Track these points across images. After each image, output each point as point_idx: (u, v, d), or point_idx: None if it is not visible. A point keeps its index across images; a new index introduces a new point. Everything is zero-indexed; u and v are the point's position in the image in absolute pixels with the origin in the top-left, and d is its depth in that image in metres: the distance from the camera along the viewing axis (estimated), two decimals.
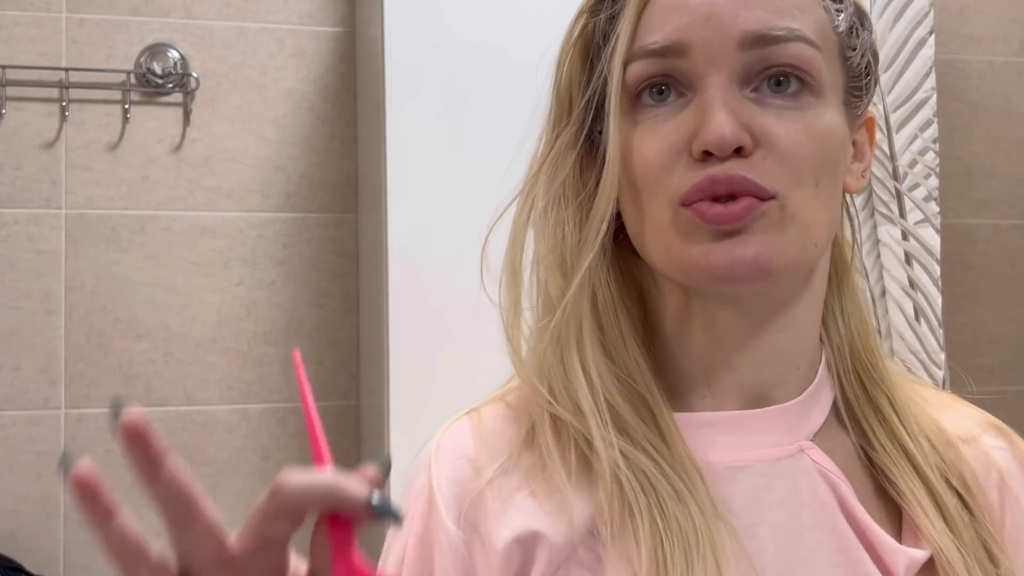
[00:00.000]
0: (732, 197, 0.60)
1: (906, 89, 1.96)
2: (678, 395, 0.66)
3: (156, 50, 2.07)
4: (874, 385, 0.69)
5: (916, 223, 1.94)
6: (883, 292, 1.93)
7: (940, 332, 1.93)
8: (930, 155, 1.97)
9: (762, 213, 0.60)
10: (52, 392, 2.01)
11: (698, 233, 0.61)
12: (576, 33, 0.67)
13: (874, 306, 1.93)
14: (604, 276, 0.66)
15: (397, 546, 0.67)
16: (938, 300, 1.93)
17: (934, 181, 1.97)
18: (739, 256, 0.60)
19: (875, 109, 1.94)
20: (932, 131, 1.97)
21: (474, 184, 1.81)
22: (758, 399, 0.66)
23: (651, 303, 0.68)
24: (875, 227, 1.94)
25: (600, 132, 0.65)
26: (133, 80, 2.05)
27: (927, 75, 1.97)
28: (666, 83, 0.63)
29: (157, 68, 2.06)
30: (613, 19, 0.65)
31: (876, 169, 1.94)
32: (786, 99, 0.62)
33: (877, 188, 1.94)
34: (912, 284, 1.93)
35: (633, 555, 0.59)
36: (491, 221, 0.69)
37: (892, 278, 1.93)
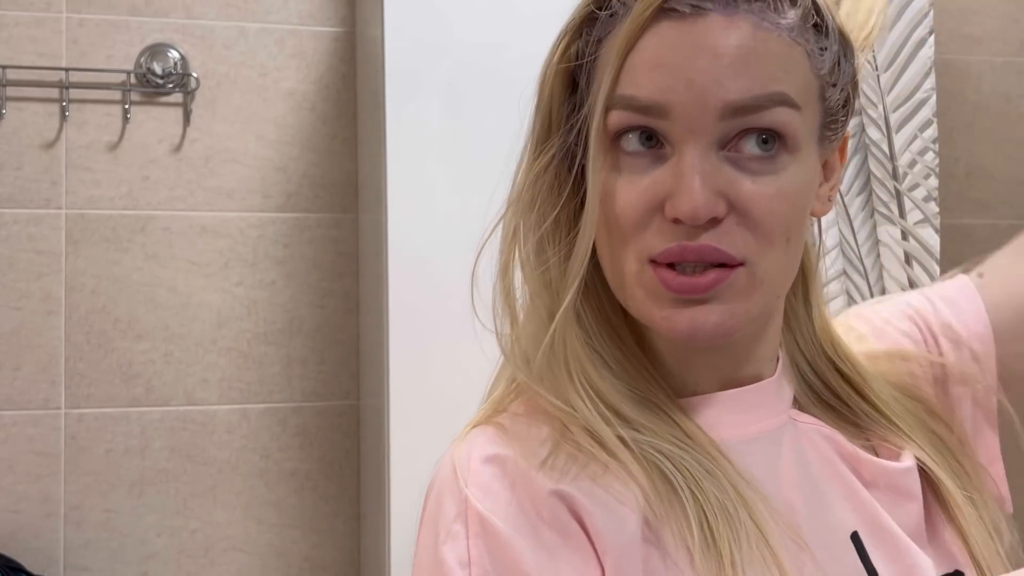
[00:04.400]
0: (700, 268, 0.62)
1: (906, 89, 1.96)
2: (673, 383, 0.69)
3: (156, 50, 2.07)
4: (841, 362, 0.74)
5: (916, 223, 1.94)
6: (883, 292, 1.93)
7: None
8: (930, 155, 1.97)
9: (729, 283, 0.62)
10: (52, 392, 2.01)
11: (661, 297, 0.63)
12: (559, 53, 0.67)
13: None
14: (596, 285, 0.68)
15: None
16: None
17: (934, 181, 1.97)
18: (701, 324, 0.62)
19: (876, 109, 1.94)
20: (932, 131, 1.97)
21: (474, 184, 1.81)
22: (746, 378, 0.70)
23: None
24: (875, 227, 1.94)
25: (582, 155, 0.66)
26: (133, 80, 2.05)
27: (927, 75, 1.97)
28: (646, 133, 0.63)
29: (157, 68, 2.06)
30: (599, 42, 0.65)
31: (876, 169, 1.94)
32: (763, 161, 0.62)
33: (877, 188, 1.94)
34: (912, 284, 1.93)
35: (684, 532, 0.61)
36: (478, 244, 0.70)
37: (892, 278, 1.93)
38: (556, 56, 0.67)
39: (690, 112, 0.61)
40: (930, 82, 1.97)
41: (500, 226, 0.69)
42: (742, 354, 0.69)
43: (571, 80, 0.67)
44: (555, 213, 0.67)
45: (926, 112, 1.97)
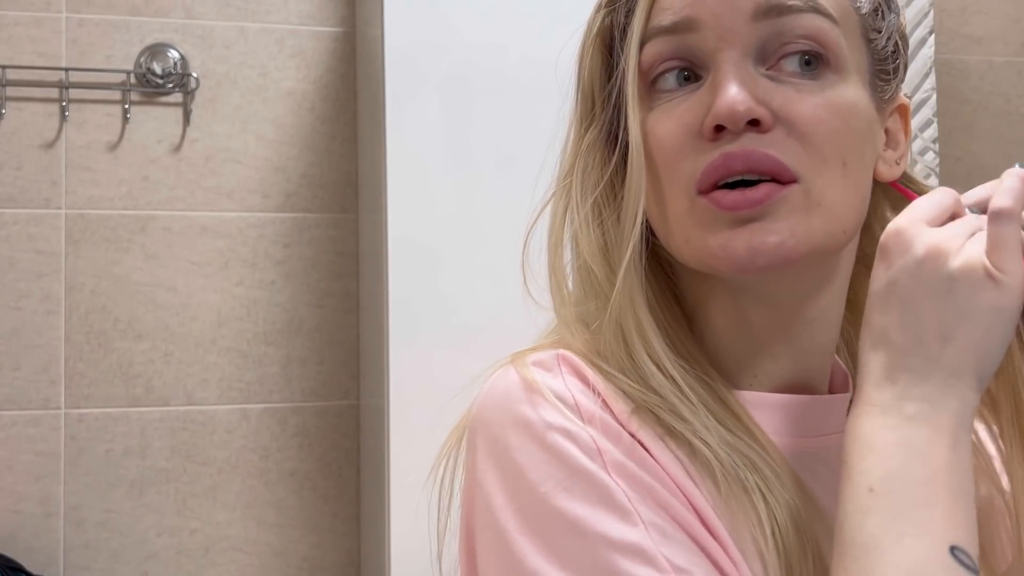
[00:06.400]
0: (750, 182, 0.58)
1: (906, 89, 1.96)
2: (729, 378, 0.66)
3: (156, 50, 2.07)
4: None
5: None
6: None
7: None
8: (930, 155, 1.97)
9: (783, 198, 0.58)
10: (52, 392, 2.01)
11: (716, 222, 0.59)
12: (595, 28, 0.66)
13: None
14: (648, 269, 0.65)
15: (604, 499, 0.56)
16: None
17: (934, 181, 1.97)
18: (759, 244, 0.58)
19: None
20: (932, 131, 1.97)
21: (474, 184, 1.81)
22: (800, 386, 0.66)
23: (689, 295, 0.67)
24: None
25: (624, 124, 0.64)
26: (133, 80, 2.05)
27: (927, 75, 1.97)
28: (681, 67, 0.62)
29: (157, 68, 2.06)
30: (630, 12, 0.64)
31: None
32: (804, 77, 0.60)
33: None
34: None
35: (756, 533, 0.58)
36: (528, 224, 0.68)
37: None
38: (591, 32, 0.66)
39: (721, 20, 0.60)
40: (930, 82, 1.97)
41: (549, 206, 0.67)
42: (804, 347, 0.65)
43: (606, 55, 0.66)
44: (607, 176, 0.65)
45: (926, 112, 1.97)
